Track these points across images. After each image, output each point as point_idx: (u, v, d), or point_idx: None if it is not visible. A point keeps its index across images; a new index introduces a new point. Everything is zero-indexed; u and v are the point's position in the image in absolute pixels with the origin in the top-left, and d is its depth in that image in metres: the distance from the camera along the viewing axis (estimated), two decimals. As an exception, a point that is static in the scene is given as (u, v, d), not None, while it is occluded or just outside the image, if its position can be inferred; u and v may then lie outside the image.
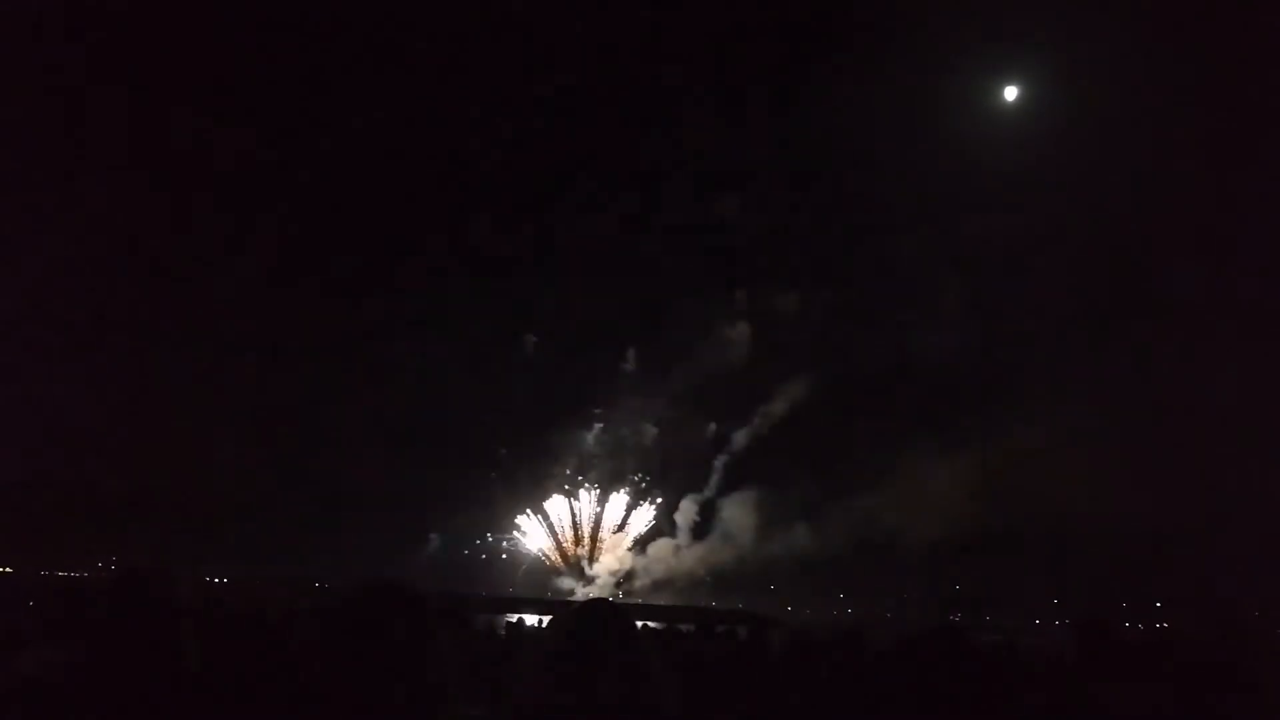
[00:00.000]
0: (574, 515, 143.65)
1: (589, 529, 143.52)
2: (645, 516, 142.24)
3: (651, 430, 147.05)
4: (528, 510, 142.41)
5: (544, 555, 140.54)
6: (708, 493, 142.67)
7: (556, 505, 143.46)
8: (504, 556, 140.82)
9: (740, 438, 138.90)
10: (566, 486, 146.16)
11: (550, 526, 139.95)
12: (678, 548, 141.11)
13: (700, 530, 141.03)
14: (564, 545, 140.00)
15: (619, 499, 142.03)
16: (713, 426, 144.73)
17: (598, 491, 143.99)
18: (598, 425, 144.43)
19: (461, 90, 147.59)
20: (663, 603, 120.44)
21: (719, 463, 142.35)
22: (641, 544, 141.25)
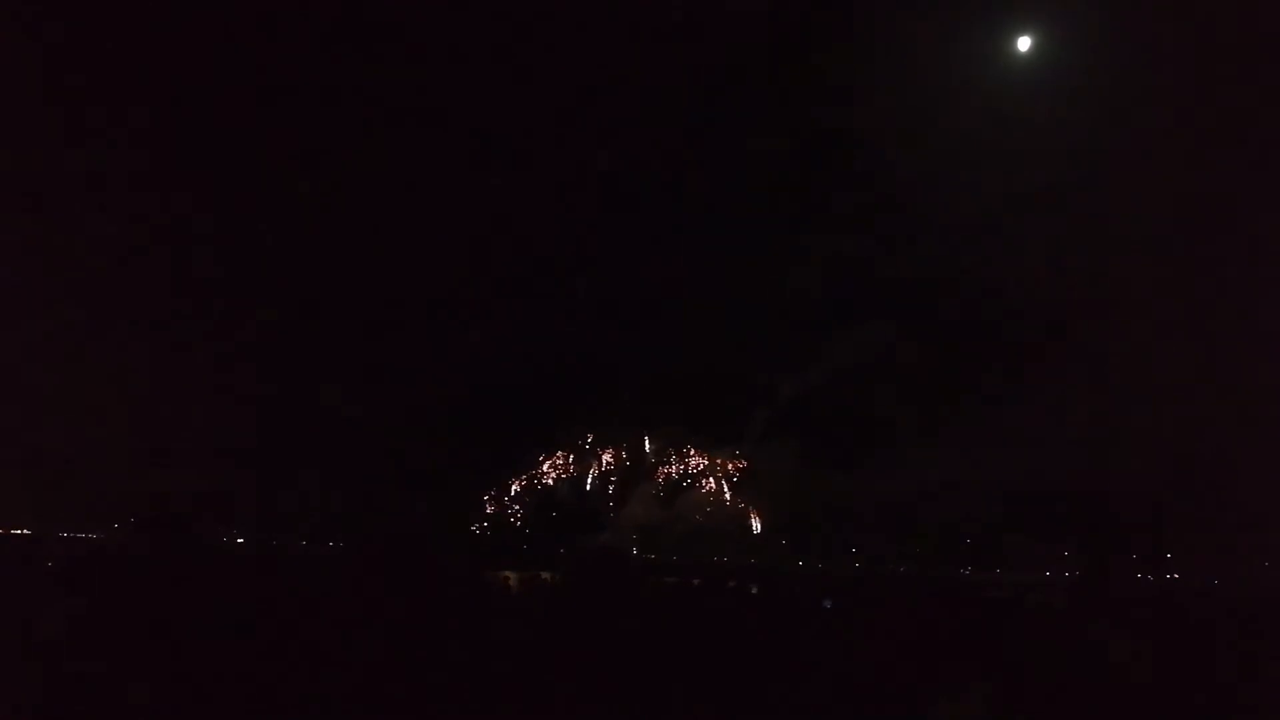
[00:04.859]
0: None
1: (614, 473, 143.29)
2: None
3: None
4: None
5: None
6: (744, 446, 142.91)
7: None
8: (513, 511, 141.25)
9: (784, 390, 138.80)
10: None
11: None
12: (708, 498, 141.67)
13: (732, 482, 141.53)
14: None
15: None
16: (756, 379, 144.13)
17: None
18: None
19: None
20: (686, 555, 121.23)
21: (759, 415, 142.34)
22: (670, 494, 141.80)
